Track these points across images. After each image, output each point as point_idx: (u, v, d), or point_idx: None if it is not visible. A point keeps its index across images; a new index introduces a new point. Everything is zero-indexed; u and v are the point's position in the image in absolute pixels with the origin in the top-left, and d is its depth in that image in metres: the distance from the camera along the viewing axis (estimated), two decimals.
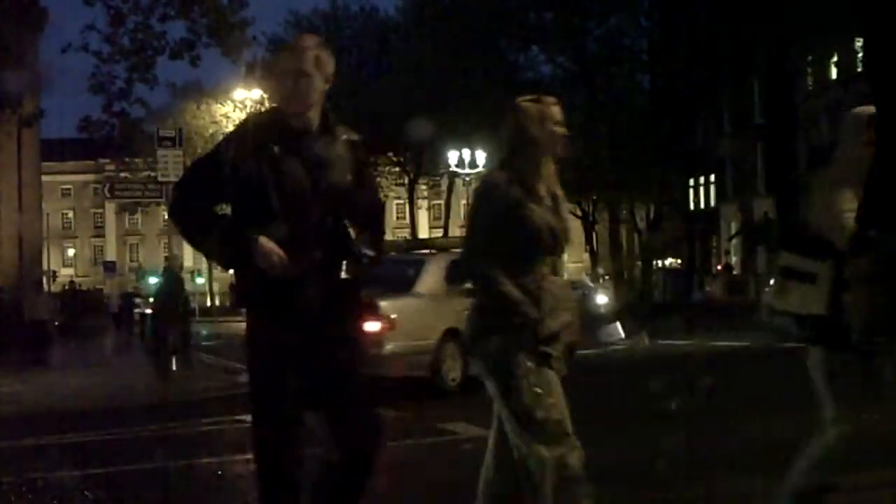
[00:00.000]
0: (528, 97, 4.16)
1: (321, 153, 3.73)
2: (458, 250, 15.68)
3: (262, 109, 3.89)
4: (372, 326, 11.28)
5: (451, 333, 11.86)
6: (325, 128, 3.80)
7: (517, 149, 4.08)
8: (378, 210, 4.01)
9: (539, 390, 3.91)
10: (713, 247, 55.01)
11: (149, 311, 24.62)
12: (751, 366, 14.15)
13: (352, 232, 3.76)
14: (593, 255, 52.08)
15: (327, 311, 3.70)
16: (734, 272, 46.45)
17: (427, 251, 14.05)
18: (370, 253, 3.79)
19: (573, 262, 77.29)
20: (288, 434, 3.73)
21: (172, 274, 19.09)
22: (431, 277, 12.27)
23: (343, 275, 3.72)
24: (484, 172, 4.19)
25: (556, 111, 4.11)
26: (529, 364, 3.92)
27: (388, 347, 11.45)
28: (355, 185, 3.78)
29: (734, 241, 48.55)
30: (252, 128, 3.82)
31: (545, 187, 4.08)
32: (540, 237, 4.00)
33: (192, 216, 3.78)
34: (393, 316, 11.72)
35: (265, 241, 3.60)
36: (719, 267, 49.85)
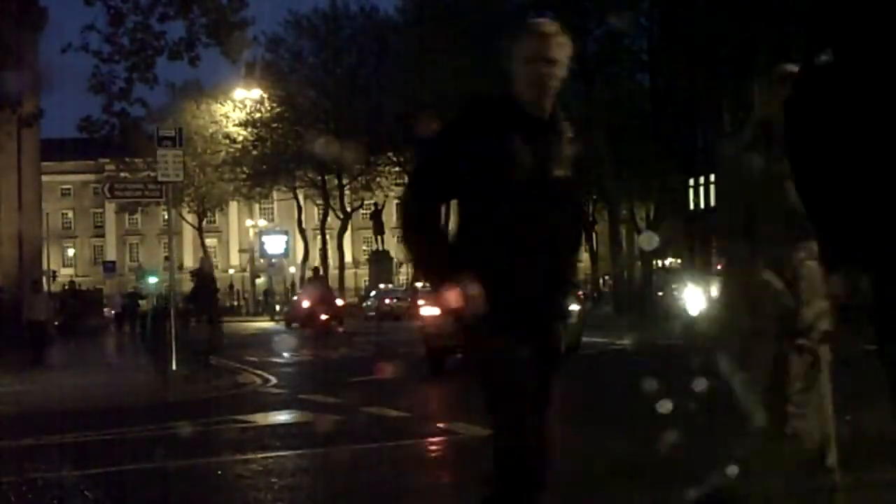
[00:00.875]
0: (792, 67, 3.79)
1: (554, 146, 3.55)
2: None
3: (491, 93, 3.71)
4: None
5: None
6: (553, 119, 3.60)
7: (764, 125, 3.86)
8: (582, 207, 3.87)
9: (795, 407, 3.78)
10: (713, 247, 54.92)
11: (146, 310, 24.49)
12: None
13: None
14: (593, 255, 52.05)
15: (553, 312, 3.53)
16: None
17: None
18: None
19: None
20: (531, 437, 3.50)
21: (205, 275, 18.98)
22: None
23: (565, 274, 3.53)
24: (737, 146, 3.73)
25: None
26: (792, 365, 3.73)
27: None
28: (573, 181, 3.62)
29: None
30: (484, 114, 3.61)
31: None
32: (798, 217, 3.68)
33: (422, 237, 3.57)
34: None
35: (474, 289, 3.38)
36: (719, 266, 49.73)
